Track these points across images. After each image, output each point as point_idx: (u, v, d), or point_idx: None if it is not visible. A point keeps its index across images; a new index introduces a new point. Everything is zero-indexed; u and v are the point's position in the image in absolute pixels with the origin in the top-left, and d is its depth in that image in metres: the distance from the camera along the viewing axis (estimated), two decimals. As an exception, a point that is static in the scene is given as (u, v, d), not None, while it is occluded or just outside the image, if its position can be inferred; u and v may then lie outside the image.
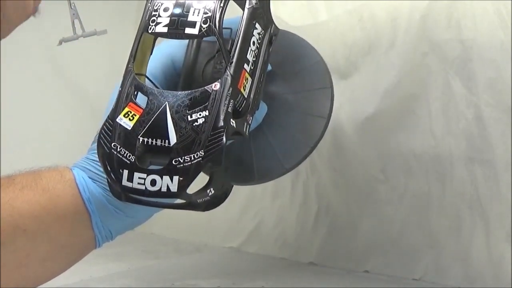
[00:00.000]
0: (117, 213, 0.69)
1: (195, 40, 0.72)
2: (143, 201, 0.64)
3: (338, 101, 0.97)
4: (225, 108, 0.62)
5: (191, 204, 0.62)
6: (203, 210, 0.63)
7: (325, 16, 1.00)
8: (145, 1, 0.69)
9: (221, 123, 0.61)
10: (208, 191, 0.62)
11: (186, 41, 0.71)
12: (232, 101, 0.63)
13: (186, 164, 0.60)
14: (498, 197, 0.86)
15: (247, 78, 0.65)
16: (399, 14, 0.93)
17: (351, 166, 0.98)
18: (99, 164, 0.68)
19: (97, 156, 0.68)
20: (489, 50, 0.85)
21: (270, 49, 0.71)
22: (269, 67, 0.74)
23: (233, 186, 0.66)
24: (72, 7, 0.82)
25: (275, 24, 0.71)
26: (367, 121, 0.95)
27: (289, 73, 0.78)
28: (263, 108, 0.75)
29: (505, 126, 0.85)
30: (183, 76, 0.72)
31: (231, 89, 0.63)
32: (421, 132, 0.92)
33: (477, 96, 0.87)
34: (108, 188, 0.68)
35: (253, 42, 0.66)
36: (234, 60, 0.64)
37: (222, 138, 0.61)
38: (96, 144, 0.70)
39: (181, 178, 0.60)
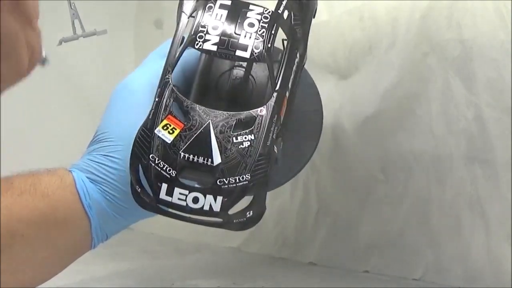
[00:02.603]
0: (116, 218, 0.69)
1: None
2: (173, 214, 0.64)
3: (338, 101, 0.97)
4: (272, 134, 0.63)
5: (227, 224, 0.63)
6: (236, 230, 0.64)
7: (326, 16, 1.00)
8: (177, 10, 0.69)
9: (268, 149, 0.62)
10: (247, 213, 0.63)
11: (196, 51, 0.71)
12: (277, 128, 0.64)
13: (231, 185, 0.61)
14: (498, 197, 0.86)
15: (285, 105, 0.66)
16: (400, 14, 0.93)
17: (351, 166, 0.98)
18: (101, 166, 0.68)
19: (99, 157, 0.68)
20: (489, 50, 0.86)
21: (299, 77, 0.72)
22: None
23: (266, 209, 0.66)
24: (72, 7, 0.82)
25: (306, 53, 0.72)
26: (367, 121, 0.95)
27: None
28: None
29: (505, 126, 0.85)
30: (197, 86, 0.72)
31: (276, 116, 0.64)
32: (421, 132, 0.92)
33: (477, 96, 0.87)
34: (109, 192, 0.68)
35: (294, 71, 0.67)
36: (278, 87, 0.64)
37: (269, 164, 0.61)
38: (95, 144, 0.70)
39: (225, 199, 0.61)
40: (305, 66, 0.75)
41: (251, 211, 0.63)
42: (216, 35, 0.65)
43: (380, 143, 0.95)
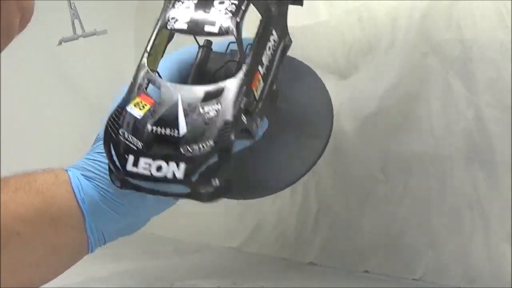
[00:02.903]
0: (110, 214, 0.69)
1: (205, 49, 0.74)
2: (144, 189, 0.65)
3: (338, 101, 0.97)
4: (238, 103, 0.63)
5: (194, 194, 0.64)
6: (206, 201, 0.64)
7: (325, 16, 1.00)
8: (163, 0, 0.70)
9: (233, 117, 0.63)
10: (213, 181, 0.63)
11: (194, 49, 0.72)
12: (245, 98, 0.64)
13: (195, 153, 0.62)
14: (498, 197, 0.86)
15: (259, 81, 0.67)
16: (399, 14, 0.93)
17: (351, 166, 0.98)
18: (96, 162, 0.68)
19: (95, 155, 0.68)
20: (489, 50, 0.85)
21: (282, 61, 0.73)
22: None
23: (237, 181, 0.66)
24: (72, 7, 0.82)
25: (289, 35, 0.73)
26: (367, 121, 0.95)
27: (291, 94, 0.81)
28: (264, 123, 0.76)
29: (505, 126, 0.85)
30: (191, 81, 0.73)
31: (244, 87, 0.65)
32: (421, 132, 0.92)
33: (477, 96, 0.87)
34: (102, 187, 0.68)
35: (269, 47, 0.69)
36: (249, 59, 0.66)
37: (233, 131, 0.62)
38: (94, 144, 0.70)
39: (187, 166, 0.62)
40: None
41: (217, 179, 0.63)
42: (188, 15, 0.67)
43: (380, 143, 0.95)
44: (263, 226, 1.08)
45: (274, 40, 0.70)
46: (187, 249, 1.12)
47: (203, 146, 0.62)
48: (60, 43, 0.83)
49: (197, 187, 0.63)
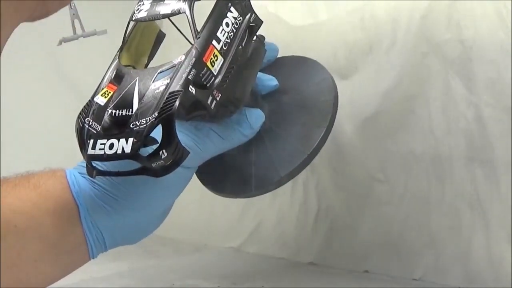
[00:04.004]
0: (105, 209, 0.69)
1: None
2: (109, 172, 0.66)
3: (338, 100, 0.97)
4: (185, 75, 0.65)
5: (146, 169, 0.64)
6: (158, 176, 0.65)
7: (326, 15, 1.00)
8: None
9: (178, 87, 0.64)
10: (161, 153, 0.64)
11: None
12: (194, 70, 0.66)
13: (142, 126, 0.63)
14: (498, 197, 0.86)
15: (216, 55, 0.69)
16: (399, 14, 0.93)
17: (351, 166, 0.98)
18: None
19: None
20: (489, 50, 0.85)
21: (253, 40, 0.74)
22: (276, 82, 0.77)
23: (189, 153, 0.67)
24: (72, 7, 0.82)
25: (256, 14, 0.75)
26: (367, 121, 0.95)
27: (293, 87, 0.81)
28: (259, 116, 0.76)
29: (505, 126, 0.85)
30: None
31: (194, 59, 0.66)
32: (421, 132, 0.92)
33: (477, 96, 0.87)
34: (96, 182, 0.69)
35: (227, 24, 0.70)
36: (201, 33, 0.67)
37: (176, 100, 0.63)
38: None
39: (135, 140, 0.63)
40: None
41: (164, 151, 0.64)
42: (149, 3, 0.69)
43: (380, 143, 0.95)
44: (263, 226, 1.08)
45: (234, 18, 0.71)
46: (187, 249, 1.12)
47: (149, 120, 0.63)
48: (60, 43, 0.83)
49: (147, 162, 0.64)
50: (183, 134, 0.69)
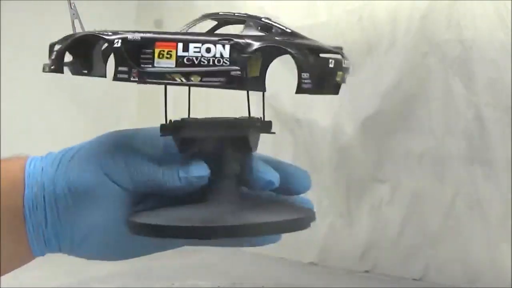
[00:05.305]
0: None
1: None
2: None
3: (338, 101, 0.97)
4: None
5: None
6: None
7: (325, 16, 1.00)
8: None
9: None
10: None
11: None
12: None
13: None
14: (498, 197, 0.86)
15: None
16: (399, 14, 0.93)
17: (351, 166, 0.98)
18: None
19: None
20: (489, 50, 0.86)
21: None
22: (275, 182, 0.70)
23: None
24: (72, 7, 0.82)
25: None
26: (367, 121, 0.95)
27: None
28: (201, 168, 0.68)
29: (505, 126, 0.85)
30: None
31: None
32: (421, 132, 0.92)
33: (477, 96, 0.87)
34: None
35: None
36: None
37: None
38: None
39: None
40: None
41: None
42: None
43: (380, 143, 0.95)
44: (263, 226, 1.08)
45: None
46: (187, 249, 1.12)
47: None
48: (60, 43, 0.83)
49: None
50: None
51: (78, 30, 0.68)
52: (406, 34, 0.92)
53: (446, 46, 0.89)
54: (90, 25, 0.82)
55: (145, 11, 1.27)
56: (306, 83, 0.60)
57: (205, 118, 0.68)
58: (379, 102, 0.94)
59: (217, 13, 0.62)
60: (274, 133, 0.66)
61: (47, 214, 0.62)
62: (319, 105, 0.98)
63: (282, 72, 0.98)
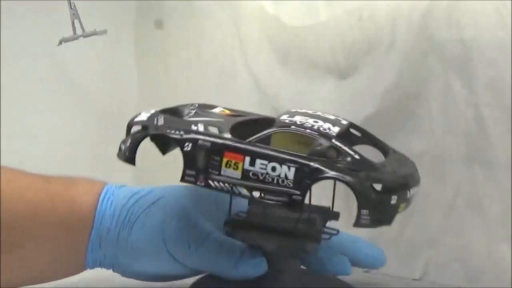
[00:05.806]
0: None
1: None
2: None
3: (338, 101, 0.97)
4: None
5: None
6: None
7: (325, 16, 1.00)
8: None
9: None
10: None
11: None
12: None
13: None
14: (498, 197, 0.86)
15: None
16: (399, 14, 0.93)
17: (351, 166, 0.98)
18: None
19: None
20: (489, 50, 0.85)
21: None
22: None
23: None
24: (72, 7, 0.82)
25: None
26: (367, 121, 0.95)
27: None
28: (258, 266, 0.69)
29: (505, 126, 0.85)
30: None
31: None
32: (421, 132, 0.92)
33: (477, 96, 0.87)
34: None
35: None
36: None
37: None
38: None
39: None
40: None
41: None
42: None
43: (380, 143, 0.95)
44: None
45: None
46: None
47: None
48: (60, 43, 0.83)
49: None
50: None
51: (78, 30, 0.68)
52: (406, 34, 0.92)
53: (446, 46, 0.89)
54: (90, 25, 0.82)
55: (145, 11, 1.27)
56: (364, 219, 0.62)
57: (268, 213, 0.68)
58: (379, 101, 0.94)
59: (289, 126, 0.62)
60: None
61: (107, 253, 0.66)
62: (319, 105, 0.98)
63: (282, 72, 0.98)
